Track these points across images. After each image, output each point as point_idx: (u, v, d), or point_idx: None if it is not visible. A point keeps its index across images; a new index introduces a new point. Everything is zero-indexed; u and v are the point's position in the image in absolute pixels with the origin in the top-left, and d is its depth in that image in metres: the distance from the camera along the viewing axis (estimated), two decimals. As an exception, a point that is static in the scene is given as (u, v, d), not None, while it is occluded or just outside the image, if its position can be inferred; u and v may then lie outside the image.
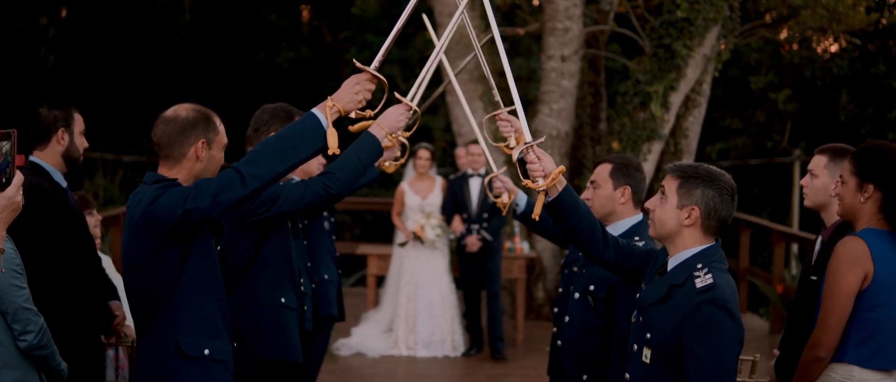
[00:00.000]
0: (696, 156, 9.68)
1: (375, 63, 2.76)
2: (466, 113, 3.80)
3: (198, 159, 2.91)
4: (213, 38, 18.11)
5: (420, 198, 7.54)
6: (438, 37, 7.97)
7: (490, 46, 9.27)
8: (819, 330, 2.93)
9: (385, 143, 2.93)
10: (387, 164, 4.06)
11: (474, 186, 7.47)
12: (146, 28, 16.97)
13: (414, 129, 3.46)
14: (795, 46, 15.41)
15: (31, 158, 3.69)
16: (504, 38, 9.05)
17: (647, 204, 2.81)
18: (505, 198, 3.75)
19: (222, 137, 2.97)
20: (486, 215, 7.48)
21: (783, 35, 12.95)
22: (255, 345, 3.49)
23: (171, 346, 2.86)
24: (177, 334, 2.86)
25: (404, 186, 7.66)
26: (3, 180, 2.23)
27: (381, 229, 13.54)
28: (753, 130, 16.59)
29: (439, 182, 7.63)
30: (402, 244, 7.61)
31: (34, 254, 3.34)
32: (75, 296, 3.64)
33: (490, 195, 4.07)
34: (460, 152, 7.80)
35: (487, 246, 7.44)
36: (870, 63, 15.36)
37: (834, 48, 15.84)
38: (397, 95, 2.82)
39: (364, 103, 2.73)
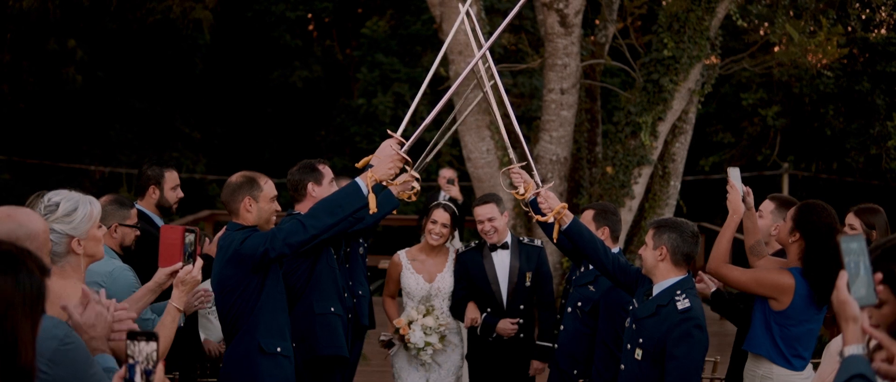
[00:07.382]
0: (689, 170, 10.41)
1: (407, 146, 3.71)
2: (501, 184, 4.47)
3: (248, 211, 3.89)
4: (231, 59, 18.91)
5: (425, 280, 5.07)
6: (449, 76, 9.00)
7: (497, 88, 10.04)
8: (737, 274, 3.91)
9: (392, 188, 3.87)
10: (405, 194, 4.53)
11: (500, 263, 4.97)
12: (167, 49, 17.75)
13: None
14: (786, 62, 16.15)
15: (137, 206, 4.60)
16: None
17: (639, 252, 3.85)
18: (521, 189, 4.21)
19: (267, 192, 3.94)
20: (522, 307, 4.96)
21: (775, 50, 13.71)
22: (314, 345, 4.51)
23: (253, 345, 3.85)
24: (257, 336, 3.87)
25: (402, 257, 5.16)
26: (192, 263, 3.25)
27: (388, 240, 14.24)
28: (745, 143, 17.35)
29: (453, 256, 5.14)
30: (387, 345, 5.14)
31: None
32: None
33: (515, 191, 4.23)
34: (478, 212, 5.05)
35: (526, 340, 4.97)
36: (855, 80, 16.13)
37: (825, 61, 16.58)
38: (390, 131, 3.74)
39: (395, 175, 3.73)
